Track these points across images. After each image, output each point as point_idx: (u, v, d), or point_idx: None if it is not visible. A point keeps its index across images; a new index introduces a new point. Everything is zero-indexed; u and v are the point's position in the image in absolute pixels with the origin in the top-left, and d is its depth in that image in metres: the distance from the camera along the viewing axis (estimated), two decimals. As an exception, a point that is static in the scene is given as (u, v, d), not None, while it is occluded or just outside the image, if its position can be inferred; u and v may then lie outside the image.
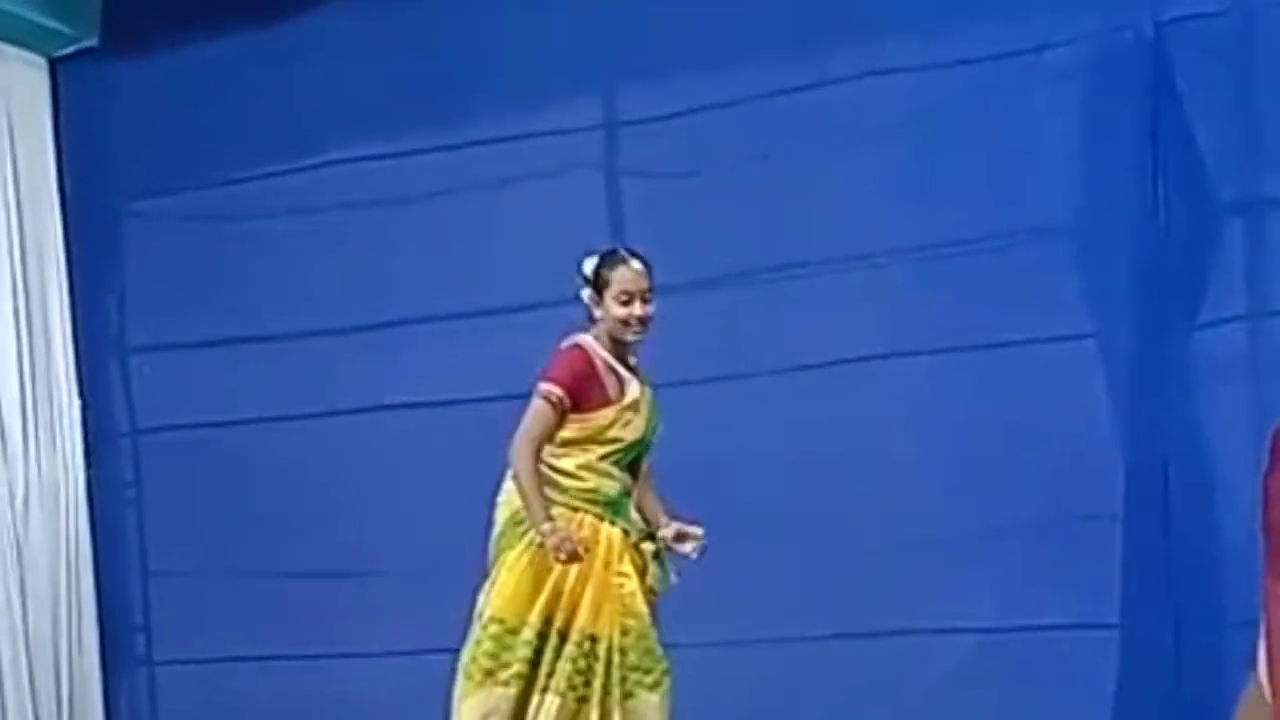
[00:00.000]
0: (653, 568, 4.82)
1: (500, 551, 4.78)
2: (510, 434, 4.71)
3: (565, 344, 4.82)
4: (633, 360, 4.87)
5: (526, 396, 4.77)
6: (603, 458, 4.76)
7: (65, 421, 7.23)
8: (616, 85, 6.49)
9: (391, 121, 6.78)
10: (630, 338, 4.78)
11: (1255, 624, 2.35)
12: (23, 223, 7.13)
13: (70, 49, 7.26)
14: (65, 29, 7.16)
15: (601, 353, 4.77)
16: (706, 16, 6.23)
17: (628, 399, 4.79)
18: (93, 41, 7.23)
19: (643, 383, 4.84)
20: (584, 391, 4.72)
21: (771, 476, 6.02)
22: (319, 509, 6.80)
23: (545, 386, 4.70)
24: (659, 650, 4.78)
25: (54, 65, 7.32)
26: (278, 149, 6.95)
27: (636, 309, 4.75)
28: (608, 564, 4.72)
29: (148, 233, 7.32)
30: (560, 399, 4.68)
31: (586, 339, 4.80)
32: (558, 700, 4.64)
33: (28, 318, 7.11)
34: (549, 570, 4.67)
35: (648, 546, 4.83)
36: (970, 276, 5.81)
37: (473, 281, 6.50)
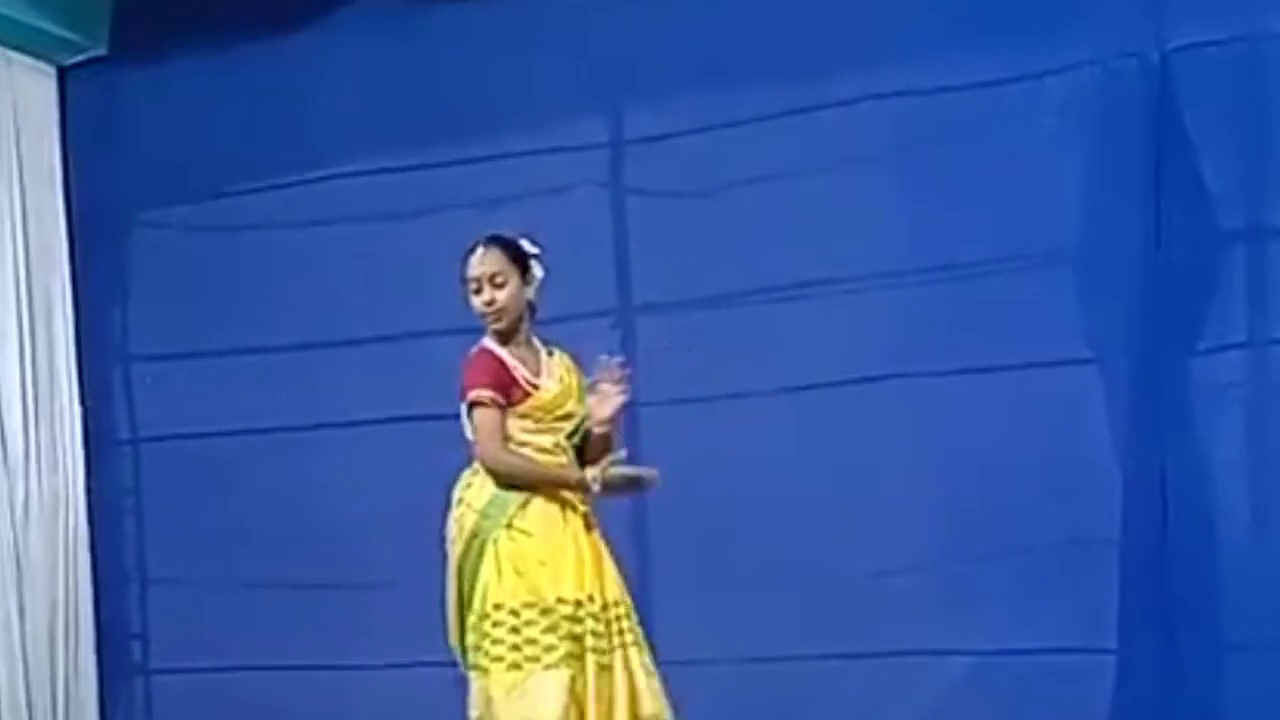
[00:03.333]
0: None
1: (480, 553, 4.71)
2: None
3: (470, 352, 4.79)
4: (541, 347, 4.79)
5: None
6: (564, 437, 4.74)
7: (67, 429, 7.23)
8: (621, 104, 6.50)
9: (398, 135, 6.79)
10: (492, 325, 4.70)
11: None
12: (29, 230, 7.14)
13: (79, 58, 7.30)
14: (74, 38, 7.19)
15: (500, 349, 4.71)
16: (711, 37, 6.24)
17: (557, 374, 4.76)
18: (101, 51, 7.27)
19: (554, 354, 4.80)
20: (504, 386, 4.66)
21: (768, 497, 6.02)
22: (319, 520, 6.79)
23: (473, 394, 4.65)
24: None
25: (63, 74, 7.35)
26: (284, 161, 6.96)
27: (484, 295, 4.69)
28: (576, 536, 4.68)
29: (153, 242, 7.33)
30: (491, 398, 4.64)
31: (485, 339, 4.76)
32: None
33: (31, 325, 7.12)
34: (551, 546, 4.64)
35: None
36: (971, 300, 5.82)
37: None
